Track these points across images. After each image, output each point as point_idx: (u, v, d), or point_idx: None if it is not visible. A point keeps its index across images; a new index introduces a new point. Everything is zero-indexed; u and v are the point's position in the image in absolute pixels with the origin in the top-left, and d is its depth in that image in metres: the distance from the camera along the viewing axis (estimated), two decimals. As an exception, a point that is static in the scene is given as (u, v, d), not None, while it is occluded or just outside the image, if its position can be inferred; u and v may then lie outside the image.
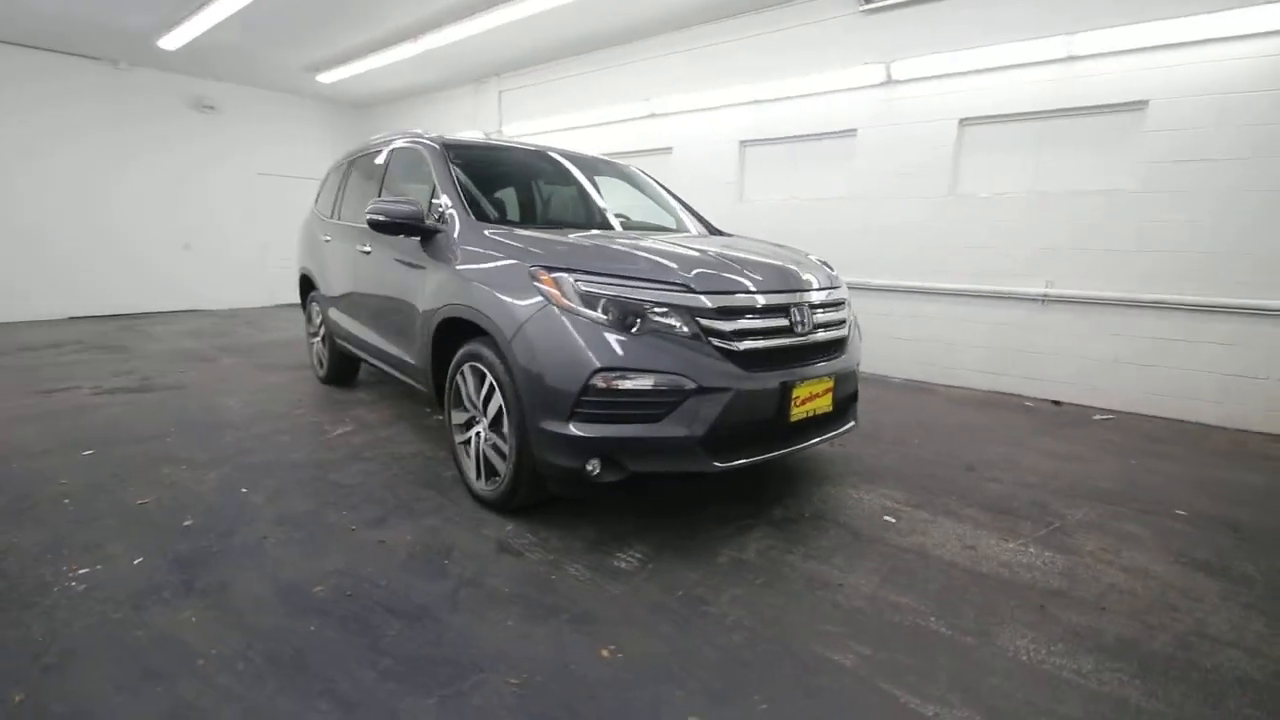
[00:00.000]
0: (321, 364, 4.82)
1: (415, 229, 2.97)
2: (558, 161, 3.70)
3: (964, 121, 5.13)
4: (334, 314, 4.31)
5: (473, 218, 2.88)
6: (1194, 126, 4.18)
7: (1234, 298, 4.16)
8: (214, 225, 9.37)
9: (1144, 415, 4.49)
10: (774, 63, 5.99)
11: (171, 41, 7.17)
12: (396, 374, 3.48)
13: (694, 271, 2.32)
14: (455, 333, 2.78)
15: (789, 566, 2.31)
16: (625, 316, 2.21)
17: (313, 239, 4.76)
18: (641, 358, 2.18)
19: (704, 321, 2.26)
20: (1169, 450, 3.78)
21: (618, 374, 2.16)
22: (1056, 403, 4.86)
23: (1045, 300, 4.90)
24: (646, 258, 2.38)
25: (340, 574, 2.16)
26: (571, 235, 2.79)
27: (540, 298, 2.27)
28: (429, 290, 2.88)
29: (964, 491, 3.06)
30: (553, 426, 2.24)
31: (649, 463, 2.24)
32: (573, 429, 2.20)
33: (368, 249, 3.58)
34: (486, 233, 2.76)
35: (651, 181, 4.12)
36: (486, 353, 2.51)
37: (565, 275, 2.27)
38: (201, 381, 4.92)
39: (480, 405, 2.62)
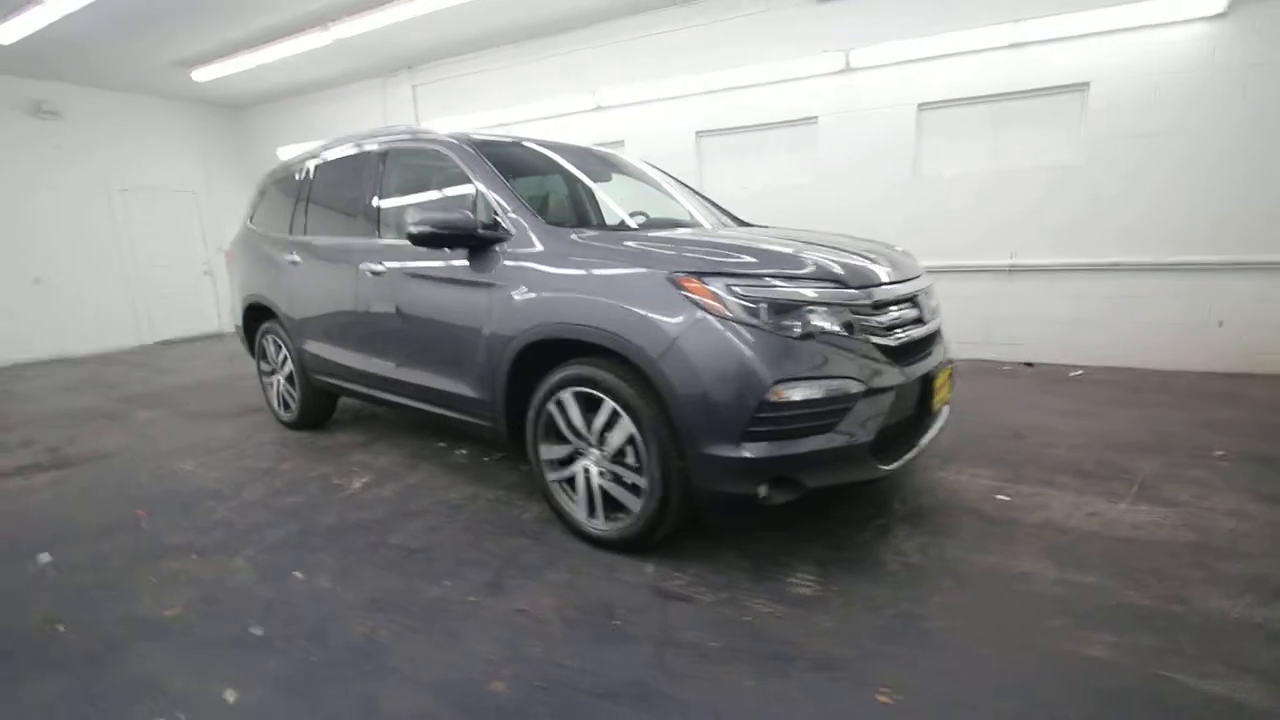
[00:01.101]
0: (288, 405, 4.12)
1: (468, 241, 2.57)
2: (579, 155, 3.37)
3: (923, 106, 5.37)
4: (313, 347, 3.67)
5: (546, 223, 2.53)
6: (1133, 105, 4.64)
7: (1178, 256, 4.68)
8: (69, 253, 7.81)
9: (1111, 368, 4.97)
10: (728, 51, 5.94)
11: (3, 35, 5.82)
12: (432, 410, 3.01)
13: (842, 265, 2.17)
14: (541, 357, 2.43)
15: (962, 563, 2.23)
16: (788, 320, 2.01)
17: (265, 261, 4.03)
18: (812, 364, 2.00)
19: (861, 318, 2.12)
20: (1157, 398, 4.18)
21: (790, 384, 1.96)
22: (1029, 364, 5.26)
23: (1011, 271, 5.27)
24: (793, 254, 2.19)
25: (507, 661, 1.79)
26: (679, 232, 2.53)
27: (693, 308, 2.01)
28: (502, 311, 2.49)
29: (1035, 460, 3.17)
30: (720, 450, 1.99)
31: (823, 476, 2.07)
32: (745, 451, 1.98)
33: (380, 269, 3.05)
34: (575, 238, 2.43)
35: (660, 173, 3.90)
36: (605, 376, 2.20)
37: (717, 280, 2.03)
38: (132, 445, 4.02)
39: (594, 435, 2.30)
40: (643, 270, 2.14)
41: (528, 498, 2.92)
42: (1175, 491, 2.74)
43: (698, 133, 6.35)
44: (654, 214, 3.30)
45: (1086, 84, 4.79)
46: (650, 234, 2.53)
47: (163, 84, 8.00)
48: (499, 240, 2.55)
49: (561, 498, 2.49)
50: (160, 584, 2.29)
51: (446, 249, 2.66)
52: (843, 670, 1.71)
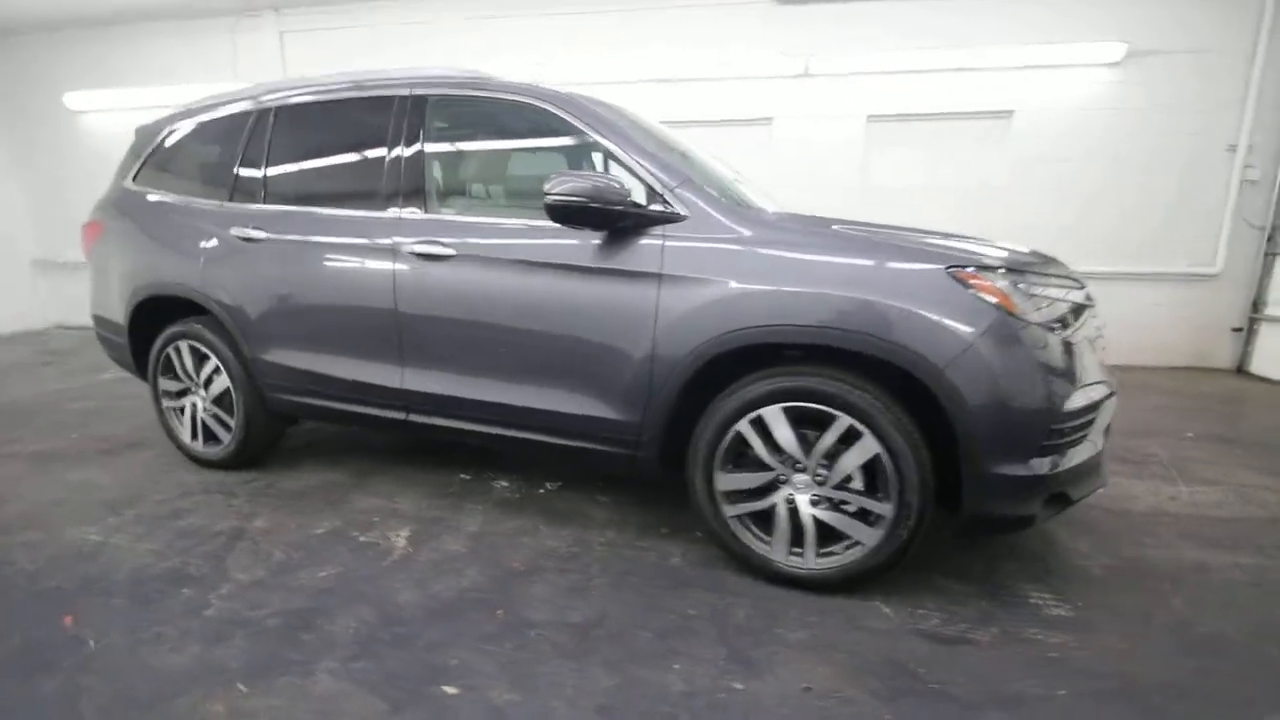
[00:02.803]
0: (212, 437, 2.99)
1: (624, 220, 2.02)
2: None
3: (871, 118, 5.65)
4: (280, 356, 2.69)
5: (724, 202, 2.07)
6: (1049, 133, 5.34)
7: (1084, 266, 5.47)
8: None
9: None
10: (685, 36, 5.72)
11: None
12: (515, 435, 2.34)
13: (1064, 267, 2.06)
14: (720, 368, 1.99)
15: (1144, 560, 2.27)
16: (1058, 322, 1.85)
17: (179, 238, 2.88)
18: (1088, 368, 1.87)
19: (1091, 320, 2.04)
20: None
21: (1080, 390, 1.82)
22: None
23: (946, 276, 5.76)
24: (1031, 251, 2.02)
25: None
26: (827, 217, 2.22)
27: (987, 307, 1.74)
28: (680, 309, 1.97)
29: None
30: (1010, 469, 1.77)
31: (1081, 489, 1.94)
32: (1036, 467, 1.78)
33: (438, 251, 2.29)
34: (775, 220, 2.01)
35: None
36: (840, 388, 1.84)
37: (1003, 277, 1.79)
38: (8, 511, 2.62)
39: (814, 459, 1.93)
40: (911, 264, 1.82)
41: (646, 534, 2.42)
42: (1202, 470, 3.12)
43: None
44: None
45: (1012, 112, 5.40)
46: (825, 217, 2.20)
47: None
48: (665, 221, 2.03)
49: (746, 535, 2.07)
50: (223, 741, 1.44)
51: (589, 229, 2.06)
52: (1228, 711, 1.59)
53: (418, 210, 2.42)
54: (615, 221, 2.01)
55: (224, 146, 2.92)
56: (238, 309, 2.74)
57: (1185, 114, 5.09)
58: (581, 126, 2.23)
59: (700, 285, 1.96)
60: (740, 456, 2.03)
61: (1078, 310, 1.97)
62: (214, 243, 2.79)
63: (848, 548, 1.97)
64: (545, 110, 2.29)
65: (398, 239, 2.38)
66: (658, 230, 2.04)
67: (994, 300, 1.75)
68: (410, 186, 2.44)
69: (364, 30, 6.31)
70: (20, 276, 7.36)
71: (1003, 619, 1.92)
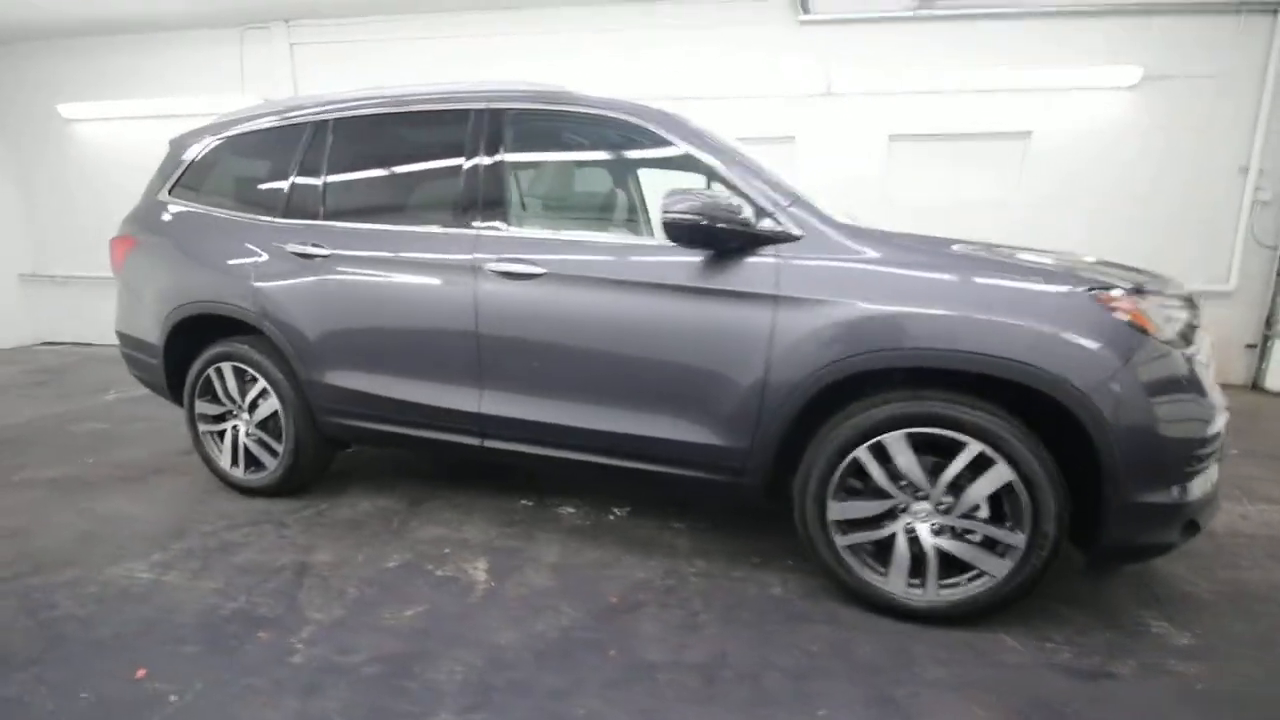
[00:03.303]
0: (255, 463, 2.82)
1: (738, 240, 1.95)
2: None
3: (893, 137, 5.70)
4: (341, 377, 2.54)
5: (839, 221, 2.01)
6: (1069, 154, 5.43)
7: (1097, 284, 5.56)
8: None
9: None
10: (708, 54, 5.72)
11: None
12: (604, 462, 2.23)
13: (1180, 285, 2.04)
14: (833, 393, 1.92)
15: (1248, 583, 2.24)
16: (1188, 341, 1.82)
17: (225, 254, 2.73)
18: (1212, 388, 1.83)
19: (1204, 339, 2.01)
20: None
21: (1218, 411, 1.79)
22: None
23: (967, 293, 5.81)
24: (1149, 270, 2.00)
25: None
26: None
27: (1131, 331, 1.70)
28: (799, 332, 1.89)
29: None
30: (1153, 496, 1.72)
31: (1208, 516, 1.90)
32: (1179, 493, 1.73)
33: (526, 270, 2.18)
34: (896, 241, 1.96)
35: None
36: (969, 413, 1.78)
37: (1142, 299, 1.75)
38: (36, 547, 2.41)
39: (939, 488, 1.85)
40: (1052, 286, 1.77)
41: (738, 563, 2.32)
42: (1264, 488, 3.13)
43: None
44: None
45: (1030, 132, 5.49)
46: (941, 236, 2.14)
47: None
48: (778, 240, 1.96)
49: (859, 566, 1.98)
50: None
51: (701, 248, 1.98)
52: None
53: (499, 227, 2.31)
54: (729, 241, 1.94)
55: (275, 159, 2.78)
56: (293, 329, 2.59)
57: (1199, 136, 5.22)
58: (681, 143, 2.15)
59: (823, 307, 1.88)
60: (854, 484, 1.95)
61: (1194, 329, 1.94)
62: (265, 259, 2.64)
63: (971, 579, 1.89)
64: (639, 126, 2.21)
65: (479, 256, 2.27)
66: (769, 250, 1.97)
67: (1136, 323, 1.71)
68: (491, 203, 2.33)
69: (376, 44, 6.20)
70: (6, 291, 7.00)
71: (1132, 650, 1.86)
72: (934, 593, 1.92)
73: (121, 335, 3.16)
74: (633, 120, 2.22)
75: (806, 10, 5.48)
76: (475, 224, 2.33)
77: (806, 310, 1.89)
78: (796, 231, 1.96)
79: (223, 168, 2.94)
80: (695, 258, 2.03)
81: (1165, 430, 1.70)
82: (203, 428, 2.92)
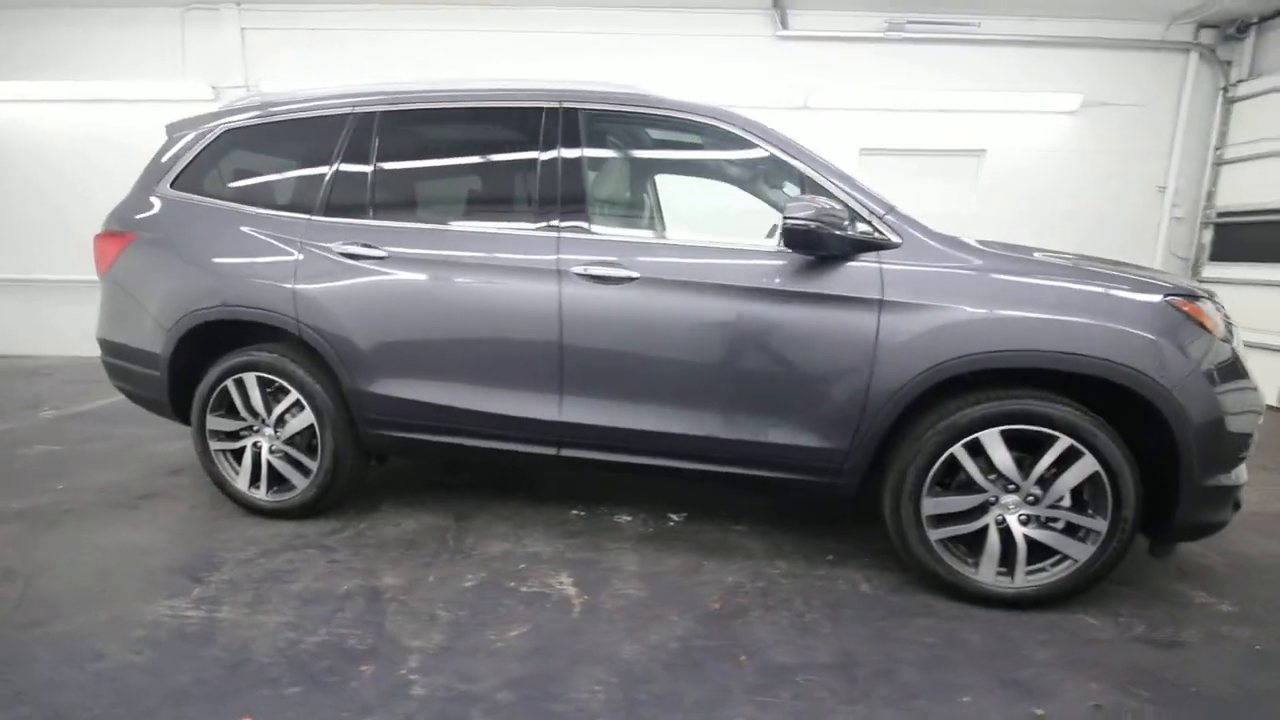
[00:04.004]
0: (279, 481, 2.59)
1: (842, 246, 2.00)
2: None
3: (864, 150, 6.00)
4: (394, 387, 2.39)
5: (933, 228, 2.10)
6: (1018, 171, 5.91)
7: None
8: None
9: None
10: (689, 66, 5.80)
11: None
12: (694, 467, 2.23)
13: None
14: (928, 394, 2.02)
15: (1257, 555, 2.53)
16: (1230, 337, 2.04)
17: (251, 253, 2.49)
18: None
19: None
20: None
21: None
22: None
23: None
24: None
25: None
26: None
27: (1201, 332, 1.89)
28: (905, 334, 1.97)
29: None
30: (1218, 480, 1.92)
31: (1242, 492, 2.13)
32: (1233, 476, 1.95)
33: (628, 273, 2.14)
34: (987, 249, 2.07)
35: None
36: (1059, 410, 1.92)
37: (1205, 303, 1.95)
38: (45, 589, 2.06)
39: (1031, 481, 1.99)
40: (1137, 293, 1.94)
41: (815, 562, 2.38)
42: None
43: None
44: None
45: (984, 150, 5.94)
46: (1023, 245, 2.28)
47: None
48: (881, 247, 2.04)
49: (950, 558, 2.08)
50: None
51: (811, 254, 2.02)
52: None
53: (583, 228, 2.26)
54: (839, 247, 1.99)
55: (307, 152, 2.58)
56: (339, 335, 2.41)
57: (1126, 158, 5.83)
58: (771, 149, 2.20)
59: (929, 311, 1.97)
60: (950, 481, 2.06)
61: (1231, 326, 2.17)
62: (303, 260, 2.44)
63: (1055, 564, 2.04)
64: (726, 130, 2.24)
65: (564, 259, 2.20)
66: (870, 256, 2.04)
67: (1205, 325, 1.91)
68: (572, 204, 2.27)
69: (339, 34, 5.86)
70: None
71: (1190, 619, 2.07)
72: (1021, 580, 2.05)
73: (107, 343, 2.82)
74: (720, 124, 2.24)
75: (785, 26, 5.69)
76: (557, 225, 2.26)
77: (914, 314, 1.98)
78: (895, 238, 2.05)
79: (238, 160, 2.69)
80: (798, 262, 2.07)
81: (1228, 420, 1.90)
82: (215, 445, 2.64)
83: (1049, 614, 2.06)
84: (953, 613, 2.06)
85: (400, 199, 2.49)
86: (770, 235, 2.63)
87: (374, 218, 2.44)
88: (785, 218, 1.93)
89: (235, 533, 2.54)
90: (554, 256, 2.22)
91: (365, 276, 2.38)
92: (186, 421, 2.77)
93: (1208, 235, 5.86)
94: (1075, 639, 1.94)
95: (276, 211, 2.54)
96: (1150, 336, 1.88)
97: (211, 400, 2.60)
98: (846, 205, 2.08)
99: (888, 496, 2.10)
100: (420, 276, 2.35)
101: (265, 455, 2.60)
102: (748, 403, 2.14)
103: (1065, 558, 2.02)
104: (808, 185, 2.14)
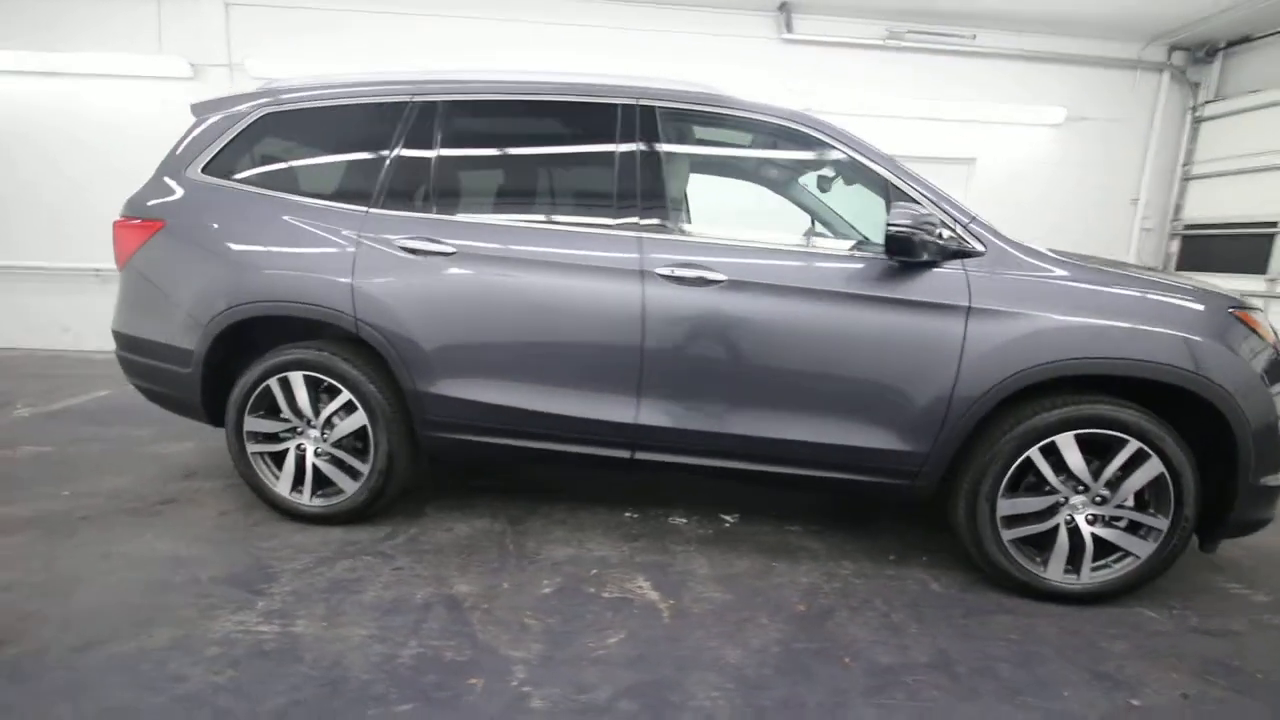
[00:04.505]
0: (324, 485, 2.47)
1: (930, 253, 2.04)
2: None
3: (860, 154, 6.12)
4: (463, 388, 2.30)
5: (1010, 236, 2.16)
6: (1007, 179, 6.16)
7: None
8: None
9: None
10: (694, 64, 5.78)
11: None
12: (772, 470, 2.24)
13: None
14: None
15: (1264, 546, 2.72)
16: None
17: (300, 246, 2.36)
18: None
19: None
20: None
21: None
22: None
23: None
24: None
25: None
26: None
27: (1259, 340, 2.02)
28: (991, 341, 2.03)
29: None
30: (1269, 479, 2.05)
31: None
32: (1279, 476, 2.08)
33: (715, 275, 2.12)
34: (1066, 259, 2.16)
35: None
36: (1127, 415, 2.01)
37: (1259, 313, 2.07)
38: (87, 606, 1.87)
39: (1100, 483, 2.08)
40: (1204, 304, 2.06)
41: (880, 563, 2.42)
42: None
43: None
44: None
45: (974, 159, 6.17)
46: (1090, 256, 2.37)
47: None
48: (966, 255, 2.09)
49: (1020, 557, 2.16)
50: None
51: (905, 260, 2.05)
52: None
53: (666, 229, 2.23)
54: (931, 253, 2.03)
55: (359, 140, 2.46)
56: (400, 334, 2.30)
57: (1104, 170, 6.16)
58: (854, 154, 2.22)
59: (1014, 319, 2.03)
60: (1023, 483, 2.13)
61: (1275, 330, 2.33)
62: (361, 254, 2.32)
63: (1118, 560, 2.14)
64: (808, 134, 2.26)
65: (647, 258, 2.17)
66: (955, 263, 2.09)
67: (1260, 333, 2.04)
68: (652, 204, 2.25)
69: (334, 16, 5.60)
70: None
71: (1234, 610, 2.21)
72: (1087, 577, 2.14)
73: (126, 338, 2.62)
74: (802, 128, 2.26)
75: (790, 29, 5.75)
76: (638, 224, 2.23)
77: (1000, 321, 2.04)
78: (979, 246, 2.11)
79: (278, 145, 2.54)
80: (881, 267, 2.11)
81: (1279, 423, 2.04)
82: (253, 448, 2.50)
83: (1109, 609, 2.16)
84: (1025, 609, 2.14)
85: (466, 193, 2.41)
86: (805, 235, 2.68)
87: (437, 211, 2.34)
88: (888, 223, 1.96)
89: (279, 540, 2.41)
90: (636, 255, 2.19)
91: (431, 273, 2.29)
92: (215, 423, 2.62)
93: (1175, 246, 6.25)
94: (1140, 631, 2.05)
95: (327, 202, 2.41)
96: (1219, 345, 2.00)
97: (251, 400, 2.45)
98: (935, 214, 2.12)
99: (963, 499, 2.17)
100: (492, 274, 2.27)
101: (310, 458, 2.48)
102: (833, 406, 2.17)
103: (1127, 554, 2.13)
104: (891, 191, 2.17)
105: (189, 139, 2.60)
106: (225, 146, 2.53)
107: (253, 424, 2.48)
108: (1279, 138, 5.28)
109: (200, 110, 2.63)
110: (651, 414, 2.25)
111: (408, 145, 2.38)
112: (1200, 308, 2.07)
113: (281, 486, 2.51)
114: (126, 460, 3.17)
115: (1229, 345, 2.01)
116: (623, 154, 2.27)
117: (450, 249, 2.28)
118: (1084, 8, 5.35)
